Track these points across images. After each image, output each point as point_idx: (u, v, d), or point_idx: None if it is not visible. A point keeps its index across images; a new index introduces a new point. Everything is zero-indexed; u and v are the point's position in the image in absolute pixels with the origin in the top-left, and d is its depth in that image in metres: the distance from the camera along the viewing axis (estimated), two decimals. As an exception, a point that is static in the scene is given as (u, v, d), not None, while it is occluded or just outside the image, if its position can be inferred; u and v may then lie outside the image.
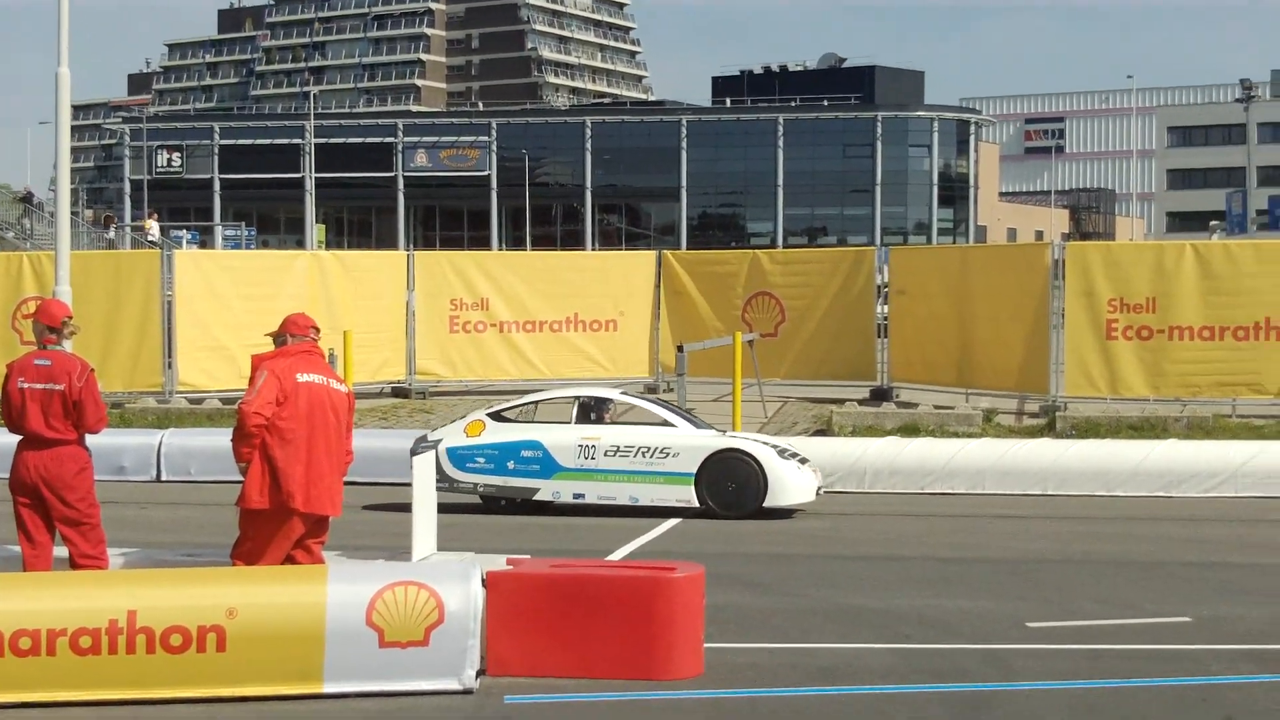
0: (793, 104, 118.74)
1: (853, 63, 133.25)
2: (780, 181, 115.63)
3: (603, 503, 18.81)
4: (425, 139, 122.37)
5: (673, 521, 18.23)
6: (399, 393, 30.91)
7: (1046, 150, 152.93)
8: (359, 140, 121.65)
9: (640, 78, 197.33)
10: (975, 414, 25.56)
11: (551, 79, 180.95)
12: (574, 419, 19.11)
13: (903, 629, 12.41)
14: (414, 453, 19.48)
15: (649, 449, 18.70)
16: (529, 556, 12.20)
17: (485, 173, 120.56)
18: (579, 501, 18.84)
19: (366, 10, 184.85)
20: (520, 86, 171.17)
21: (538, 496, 18.93)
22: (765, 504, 18.43)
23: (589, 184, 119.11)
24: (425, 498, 12.80)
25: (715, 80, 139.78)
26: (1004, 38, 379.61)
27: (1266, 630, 12.31)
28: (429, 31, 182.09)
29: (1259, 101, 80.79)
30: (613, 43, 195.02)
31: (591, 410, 19.26)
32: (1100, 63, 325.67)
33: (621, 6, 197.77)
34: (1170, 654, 11.57)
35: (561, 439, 18.89)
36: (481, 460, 18.90)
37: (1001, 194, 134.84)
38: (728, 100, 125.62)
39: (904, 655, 11.57)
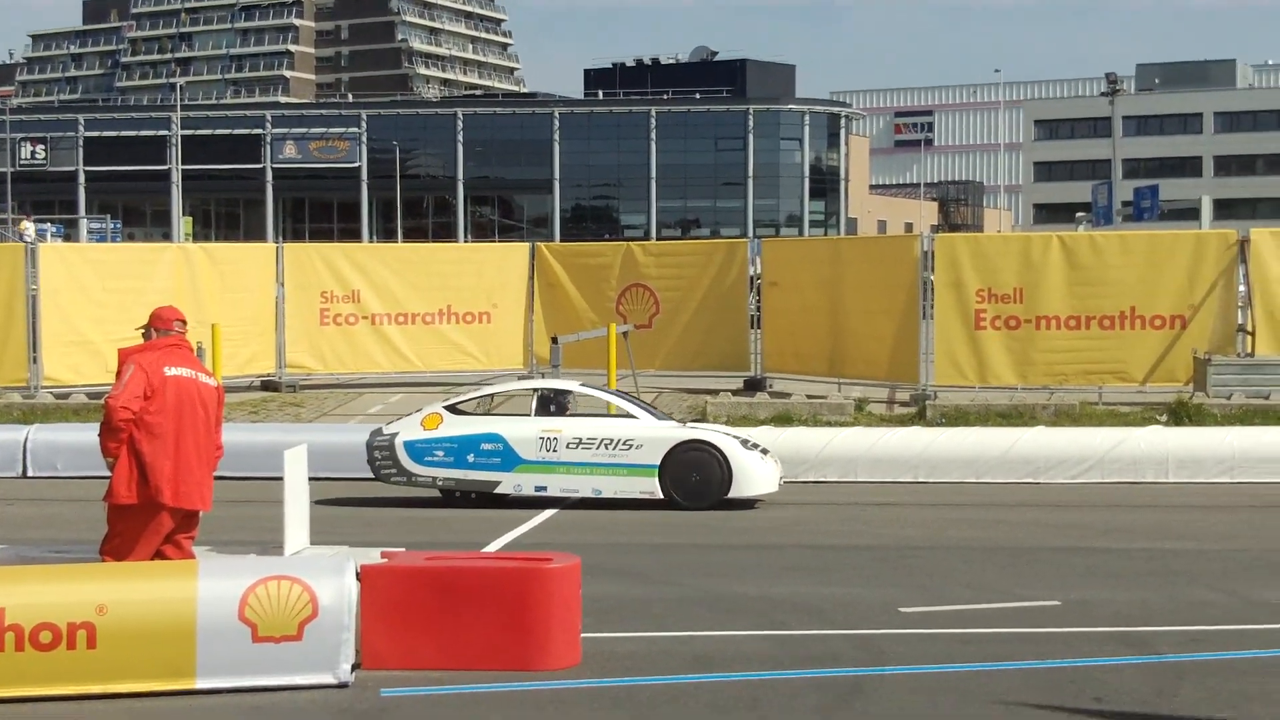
0: (665, 96, 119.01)
1: (724, 56, 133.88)
2: (653, 174, 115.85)
3: (565, 495, 18.70)
4: (294, 130, 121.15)
5: (550, 512, 18.21)
6: (268, 386, 30.57)
7: (916, 143, 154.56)
8: (226, 132, 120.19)
9: (512, 70, 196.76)
10: (847, 403, 25.79)
11: (422, 70, 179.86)
12: (534, 411, 18.93)
13: (779, 616, 12.48)
14: (368, 445, 19.48)
15: (612, 441, 18.54)
16: (404, 549, 12.12)
17: (355, 164, 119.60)
18: (541, 494, 18.68)
19: (234, 1, 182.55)
20: (390, 78, 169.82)
21: (499, 489, 18.73)
22: (730, 495, 18.43)
23: (461, 176, 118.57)
24: (297, 492, 12.65)
25: (587, 73, 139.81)
26: (873, 32, 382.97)
27: (1133, 613, 12.52)
28: (298, 22, 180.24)
29: (1124, 95, 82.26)
30: (484, 35, 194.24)
31: (551, 402, 19.08)
32: (968, 57, 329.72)
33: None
34: (1040, 637, 11.74)
35: (522, 431, 18.68)
36: (440, 453, 18.66)
37: (872, 187, 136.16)
38: (600, 93, 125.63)
39: (780, 642, 11.63)
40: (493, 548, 15.75)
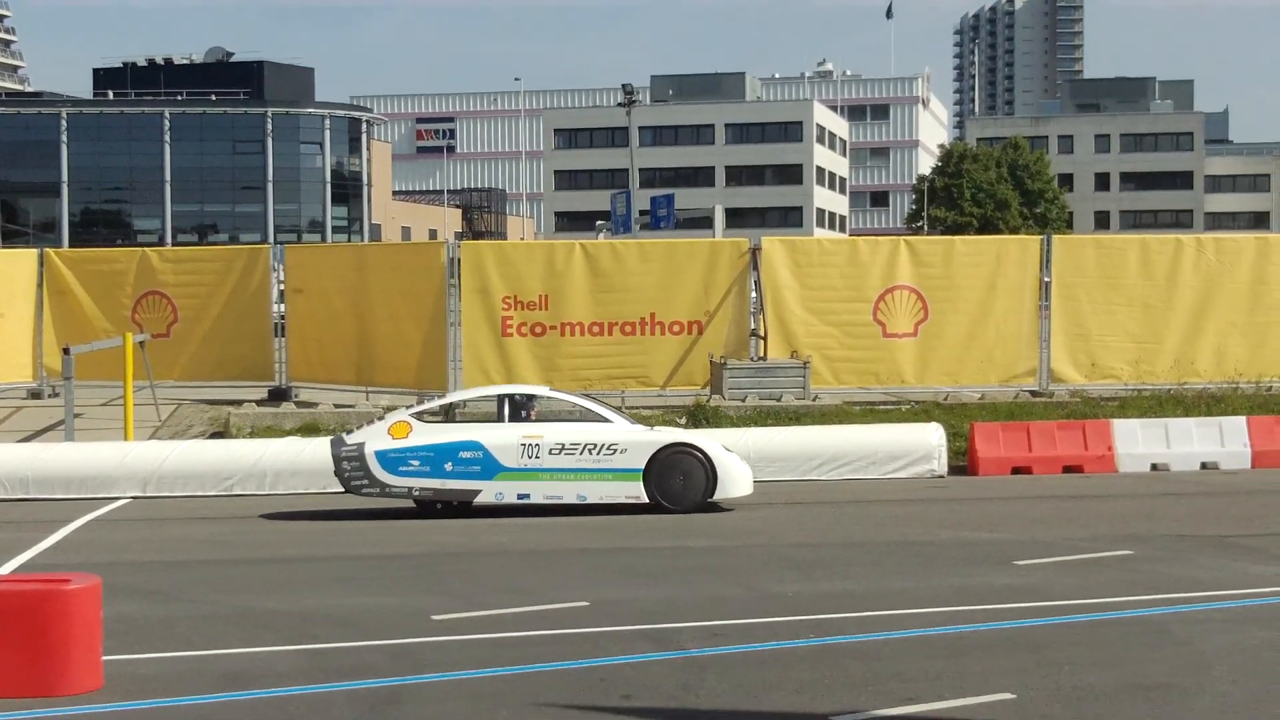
0: (179, 98, 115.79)
1: (241, 57, 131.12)
2: (168, 177, 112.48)
3: (549, 502, 18.30)
4: None
5: (63, 532, 17.44)
6: None
7: (438, 150, 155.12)
8: None
9: (16, 68, 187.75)
10: (376, 412, 25.57)
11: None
12: (507, 417, 18.53)
13: (310, 630, 12.30)
14: (335, 456, 18.35)
15: (595, 446, 18.40)
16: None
17: None
18: (524, 502, 18.26)
19: None
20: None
21: (480, 499, 18.28)
22: (715, 497, 18.45)
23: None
24: None
25: (96, 72, 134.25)
26: (394, 36, 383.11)
27: (661, 610, 12.88)
28: None
29: (640, 106, 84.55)
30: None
31: (522, 408, 18.74)
32: (489, 64, 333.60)
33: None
34: (570, 638, 11.94)
35: (502, 438, 18.26)
36: (416, 463, 18.20)
37: (395, 193, 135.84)
38: (110, 93, 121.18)
39: (311, 656, 11.47)
40: (6, 570, 14.98)
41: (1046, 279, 27.57)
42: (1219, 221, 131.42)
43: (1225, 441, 23.16)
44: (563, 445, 18.51)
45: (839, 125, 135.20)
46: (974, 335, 27.41)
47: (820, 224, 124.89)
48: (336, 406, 26.40)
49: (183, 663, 11.30)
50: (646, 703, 10.07)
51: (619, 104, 77.36)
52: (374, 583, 14.53)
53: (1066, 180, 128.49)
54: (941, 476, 22.04)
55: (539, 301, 27.03)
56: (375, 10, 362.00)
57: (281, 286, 30.59)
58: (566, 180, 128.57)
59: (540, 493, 18.52)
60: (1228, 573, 14.40)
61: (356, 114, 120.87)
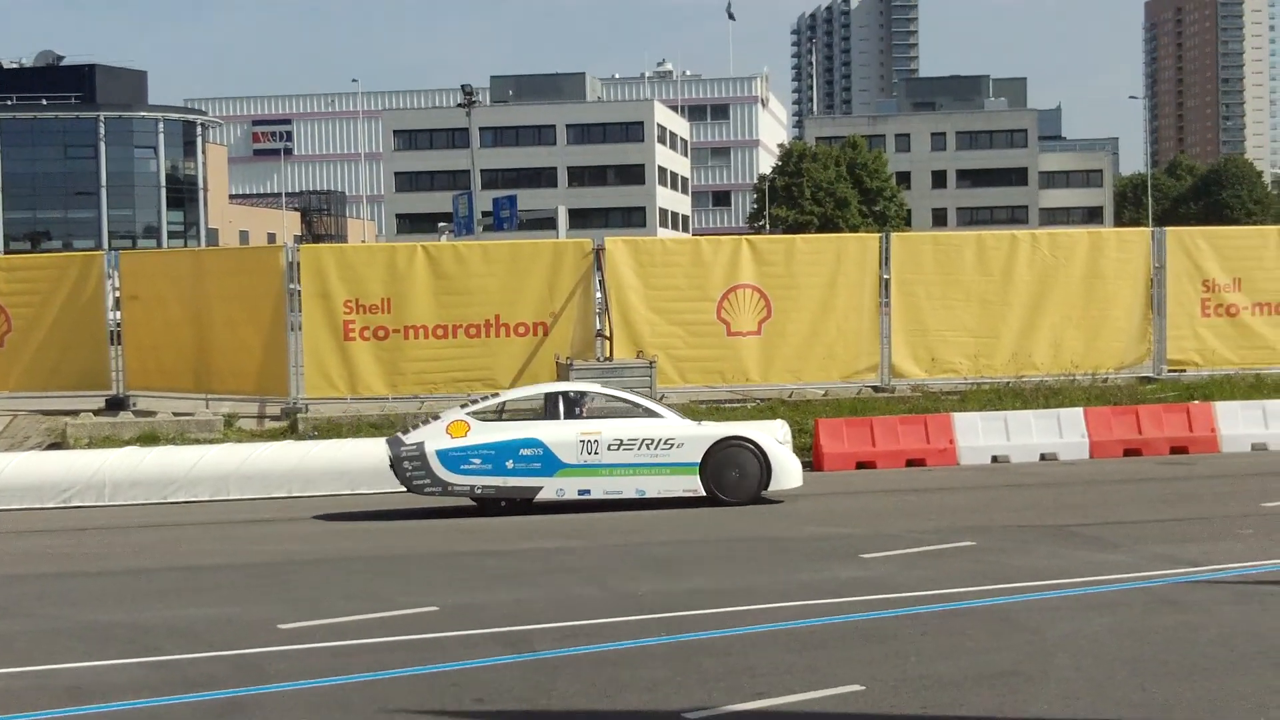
0: (9, 103, 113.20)
1: (72, 60, 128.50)
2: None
3: (609, 498, 18.68)
4: None
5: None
6: None
7: (275, 152, 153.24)
8: None
9: None
10: (216, 419, 25.29)
11: None
12: (562, 414, 18.80)
13: (153, 642, 12.07)
14: (394, 456, 18.38)
15: (653, 441, 18.68)
16: None
17: None
18: (584, 498, 18.61)
19: None
20: None
21: (540, 496, 18.59)
22: (769, 489, 18.95)
23: None
24: None
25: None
26: (228, 39, 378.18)
27: (513, 612, 12.82)
28: None
29: (480, 107, 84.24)
30: None
31: (576, 404, 19.02)
32: (326, 65, 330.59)
33: None
34: (420, 644, 11.83)
35: (562, 435, 18.56)
36: (477, 461, 18.38)
37: (232, 196, 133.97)
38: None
39: (155, 668, 11.25)
40: None
41: (886, 276, 27.90)
42: (1054, 217, 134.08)
43: (1063, 433, 23.63)
44: (621, 441, 18.80)
45: (680, 125, 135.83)
46: (816, 333, 27.66)
47: (664, 224, 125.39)
48: (175, 415, 25.98)
49: (22, 679, 11.03)
50: (499, 706, 10.02)
51: (459, 105, 77.04)
52: (218, 592, 14.30)
53: (904, 178, 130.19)
54: (788, 472, 22.17)
55: (381, 305, 26.78)
56: (208, 12, 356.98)
57: (117, 294, 29.97)
58: (407, 182, 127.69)
59: (600, 488, 18.82)
60: (1068, 561, 14.68)
61: (191, 117, 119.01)
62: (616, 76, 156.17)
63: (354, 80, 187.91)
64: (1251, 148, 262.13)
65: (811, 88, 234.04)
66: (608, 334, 27.31)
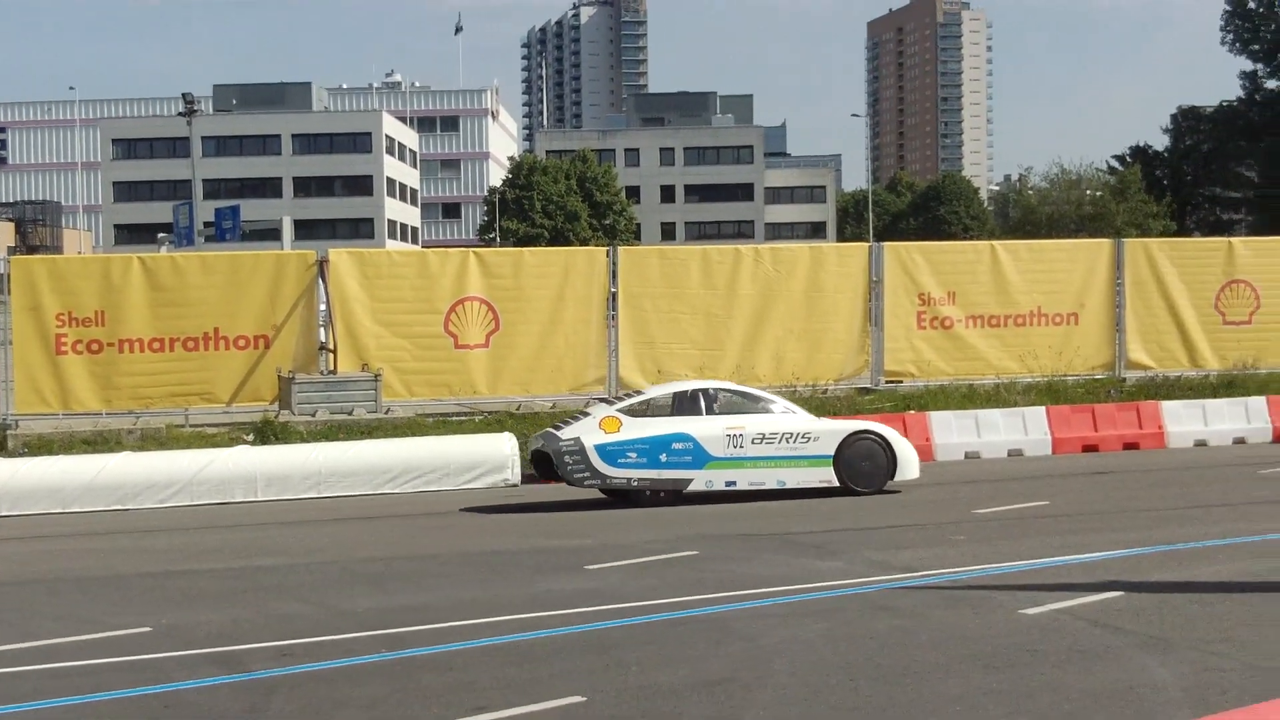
0: None
1: None
2: None
3: (753, 489, 19.85)
4: None
5: None
6: None
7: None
8: None
9: None
10: (-80, 436, 24.21)
11: None
12: (703, 410, 19.99)
13: None
14: (557, 450, 19.37)
15: (791, 435, 19.99)
16: None
17: None
18: (730, 489, 19.82)
19: None
20: None
21: (691, 487, 19.79)
22: (895, 479, 20.15)
23: None
24: None
25: None
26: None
27: (227, 632, 12.53)
28: None
29: (202, 115, 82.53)
30: None
31: (714, 401, 20.16)
32: (41, 73, 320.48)
33: None
34: (133, 665, 11.48)
35: (709, 430, 19.80)
36: (633, 455, 19.56)
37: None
38: None
39: None
40: None
41: (614, 289, 28.07)
42: (779, 232, 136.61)
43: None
44: (763, 435, 19.95)
45: (409, 136, 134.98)
46: (545, 345, 27.69)
47: (393, 235, 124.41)
48: (-124, 432, 24.82)
49: None
50: (212, 728, 9.77)
51: (180, 113, 75.32)
52: (-83, 618, 13.69)
53: (634, 192, 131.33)
54: (515, 485, 22.20)
55: (95, 318, 25.95)
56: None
57: None
58: (126, 192, 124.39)
59: (745, 480, 19.93)
60: (789, 568, 14.91)
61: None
62: (344, 87, 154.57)
63: (71, 88, 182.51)
64: (969, 165, 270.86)
65: (542, 101, 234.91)
66: (332, 347, 26.94)
